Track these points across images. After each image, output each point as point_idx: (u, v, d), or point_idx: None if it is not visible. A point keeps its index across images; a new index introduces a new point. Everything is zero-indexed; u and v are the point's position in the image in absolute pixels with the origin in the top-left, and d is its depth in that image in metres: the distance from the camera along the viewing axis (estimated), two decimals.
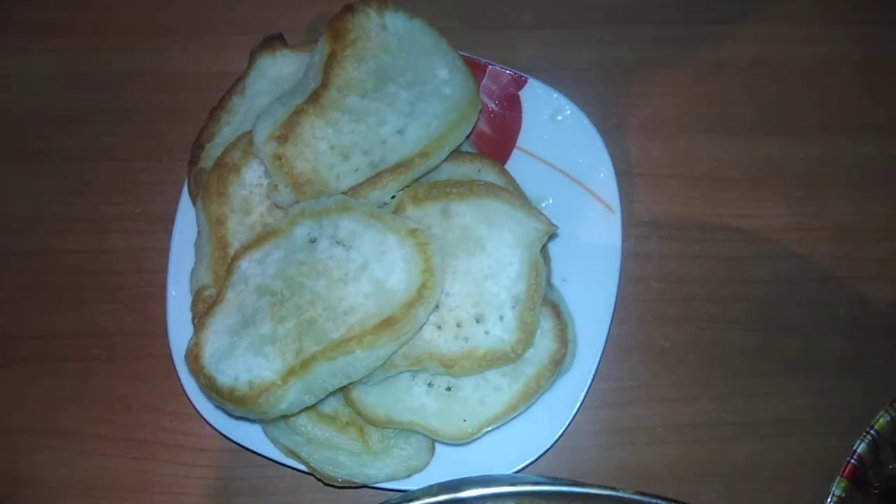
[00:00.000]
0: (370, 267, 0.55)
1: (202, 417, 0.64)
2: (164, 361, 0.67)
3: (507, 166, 0.65)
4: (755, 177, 0.70)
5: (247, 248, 0.59)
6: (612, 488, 0.50)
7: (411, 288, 0.54)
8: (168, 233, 0.66)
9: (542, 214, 0.57)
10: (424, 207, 0.57)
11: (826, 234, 0.69)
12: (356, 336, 0.53)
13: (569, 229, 0.63)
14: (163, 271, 0.66)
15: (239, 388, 0.55)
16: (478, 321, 0.57)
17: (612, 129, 0.70)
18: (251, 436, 0.63)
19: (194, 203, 0.64)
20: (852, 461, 0.55)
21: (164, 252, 0.66)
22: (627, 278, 0.67)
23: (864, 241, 0.69)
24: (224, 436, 0.64)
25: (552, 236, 0.58)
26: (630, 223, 0.68)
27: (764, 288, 0.68)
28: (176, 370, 0.64)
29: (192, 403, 0.64)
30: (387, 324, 0.53)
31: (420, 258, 0.54)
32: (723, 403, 0.67)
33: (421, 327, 0.55)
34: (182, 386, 0.64)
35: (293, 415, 0.57)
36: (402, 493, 0.54)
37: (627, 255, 0.65)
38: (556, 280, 0.63)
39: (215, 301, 0.59)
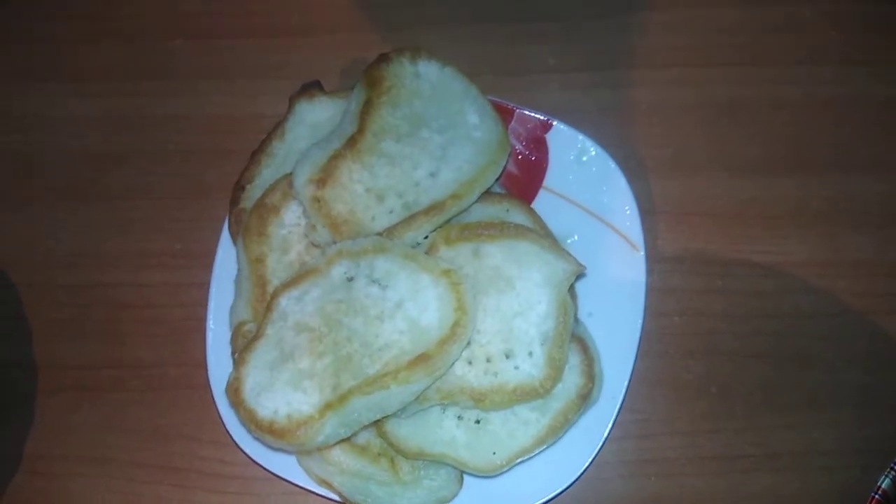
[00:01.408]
0: (405, 305, 0.58)
1: (238, 446, 0.66)
2: (200, 392, 0.69)
3: (534, 205, 0.67)
4: (775, 214, 0.72)
5: (286, 285, 0.61)
6: None
7: (444, 325, 0.56)
8: (207, 269, 0.69)
9: (570, 255, 0.59)
10: (456, 248, 0.60)
11: (845, 270, 0.71)
12: (391, 372, 0.56)
13: (594, 266, 0.65)
14: (202, 305, 0.69)
15: (278, 421, 0.57)
16: (507, 357, 0.59)
17: (634, 168, 0.73)
18: (285, 465, 0.65)
19: (234, 242, 0.67)
20: (877, 496, 0.56)
21: (203, 287, 0.69)
22: (651, 313, 0.69)
23: (883, 275, 0.70)
24: (259, 465, 0.66)
25: (579, 276, 0.60)
26: (653, 259, 0.70)
27: (784, 322, 0.70)
28: (213, 400, 0.67)
29: (228, 432, 0.66)
30: (421, 360, 0.55)
31: (453, 297, 0.57)
32: (744, 436, 0.68)
33: (453, 363, 0.58)
34: (219, 415, 0.66)
35: (328, 447, 0.59)
36: None
37: (651, 290, 0.67)
38: (582, 315, 0.65)
39: (255, 336, 0.61)
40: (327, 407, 0.56)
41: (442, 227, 0.61)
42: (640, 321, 0.65)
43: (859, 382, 0.69)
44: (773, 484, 0.67)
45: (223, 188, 0.71)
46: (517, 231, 0.59)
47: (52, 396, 0.73)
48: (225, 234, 0.69)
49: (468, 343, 0.58)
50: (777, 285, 0.71)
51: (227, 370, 0.63)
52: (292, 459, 0.65)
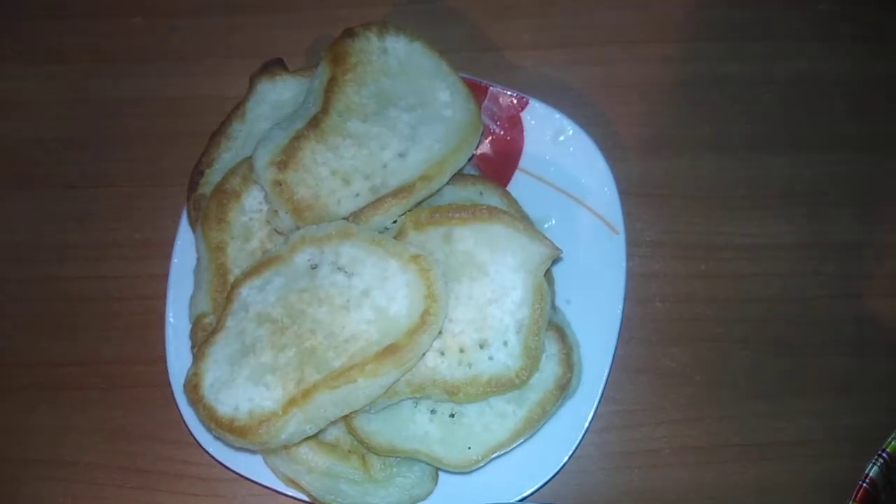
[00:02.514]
0: (372, 294, 0.54)
1: (201, 446, 0.63)
2: (163, 389, 0.66)
3: (509, 188, 0.64)
4: (759, 194, 0.70)
5: (247, 274, 0.58)
6: None
7: (414, 314, 0.53)
8: (167, 259, 0.66)
9: (546, 238, 0.56)
10: (427, 232, 0.57)
11: (832, 253, 0.68)
12: (358, 364, 0.52)
13: (572, 251, 0.62)
14: (161, 298, 0.65)
15: (239, 419, 0.54)
16: (481, 347, 0.56)
17: (613, 149, 0.70)
18: (251, 465, 0.62)
19: (194, 229, 0.64)
20: (864, 485, 0.54)
21: (163, 278, 0.65)
22: (632, 299, 0.67)
23: (871, 258, 0.68)
24: (224, 465, 0.63)
25: (556, 260, 0.57)
26: (633, 243, 0.68)
27: (770, 306, 0.68)
28: (174, 399, 0.64)
29: (191, 432, 0.63)
30: (390, 351, 0.52)
31: (423, 284, 0.53)
32: (730, 425, 0.66)
33: (424, 354, 0.55)
34: (180, 414, 0.63)
35: (294, 444, 0.56)
36: None
37: (631, 276, 0.65)
38: (559, 302, 0.63)
39: (215, 329, 0.58)
40: (291, 403, 0.53)
41: (411, 211, 0.58)
42: (620, 307, 0.63)
43: (846, 368, 0.67)
44: (760, 474, 0.65)
45: (184, 174, 0.67)
46: (490, 214, 0.56)
47: (8, 396, 0.69)
48: (184, 223, 0.66)
49: (440, 333, 0.55)
50: (763, 269, 0.69)
51: (187, 366, 0.60)
52: (258, 459, 0.62)
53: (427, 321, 0.53)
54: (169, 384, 0.64)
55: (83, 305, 0.71)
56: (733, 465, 0.65)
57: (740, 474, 0.65)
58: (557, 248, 0.56)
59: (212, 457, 0.62)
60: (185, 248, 0.65)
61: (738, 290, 0.68)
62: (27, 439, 0.68)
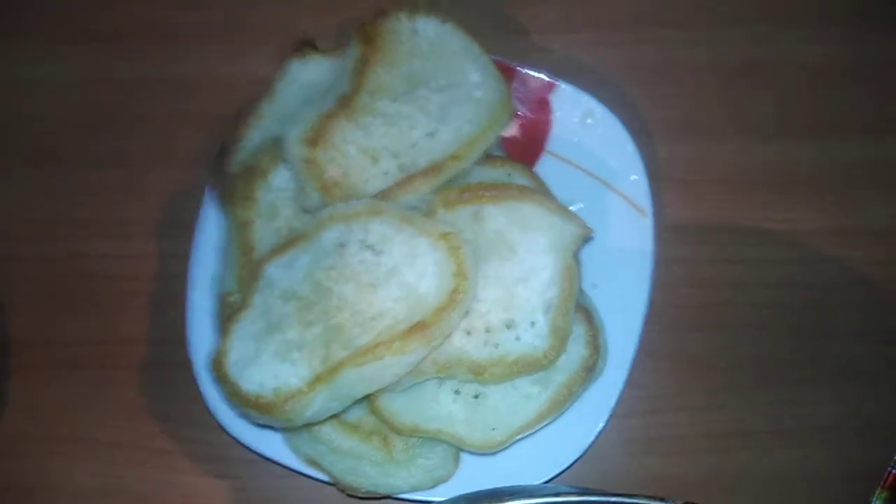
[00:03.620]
0: (400, 271, 0.54)
1: (221, 426, 0.62)
2: (184, 370, 0.65)
3: (536, 170, 0.64)
4: (787, 179, 0.69)
5: (273, 252, 0.58)
6: (652, 497, 0.48)
7: (442, 292, 0.53)
8: (189, 238, 0.65)
9: (578, 218, 0.56)
10: (456, 211, 0.56)
11: (861, 238, 0.68)
12: (385, 342, 0.52)
13: (599, 234, 0.62)
14: (183, 277, 0.65)
15: (264, 396, 0.53)
16: (508, 327, 0.55)
17: (639, 133, 0.69)
18: (273, 446, 0.61)
19: (219, 208, 0.63)
20: (894, 471, 0.53)
21: (186, 257, 0.65)
22: (658, 284, 0.65)
23: None
24: (244, 445, 0.62)
25: (586, 240, 0.57)
26: (661, 227, 0.67)
27: (797, 293, 0.67)
28: (195, 378, 0.63)
29: (211, 412, 0.62)
30: (417, 329, 0.52)
31: (452, 262, 0.53)
32: (755, 411, 0.66)
33: (451, 333, 0.54)
34: (201, 394, 0.63)
35: (317, 424, 0.56)
36: None
37: (658, 260, 0.64)
38: (586, 286, 0.62)
39: (240, 306, 0.58)
40: (317, 380, 0.53)
41: (441, 189, 0.57)
42: (646, 291, 0.62)
43: (875, 355, 0.66)
44: (786, 460, 0.65)
45: (205, 154, 0.67)
46: (521, 192, 0.56)
47: (27, 374, 0.69)
48: (208, 201, 0.65)
49: (467, 312, 0.55)
50: (790, 255, 0.68)
51: (209, 346, 0.60)
52: (280, 440, 0.61)
53: (455, 299, 0.52)
54: (190, 364, 0.64)
55: (104, 284, 0.70)
56: (758, 451, 0.65)
57: (765, 461, 0.65)
58: (589, 228, 0.55)
59: (233, 437, 0.62)
60: (208, 228, 0.64)
61: (764, 275, 0.68)
62: (45, 417, 0.68)
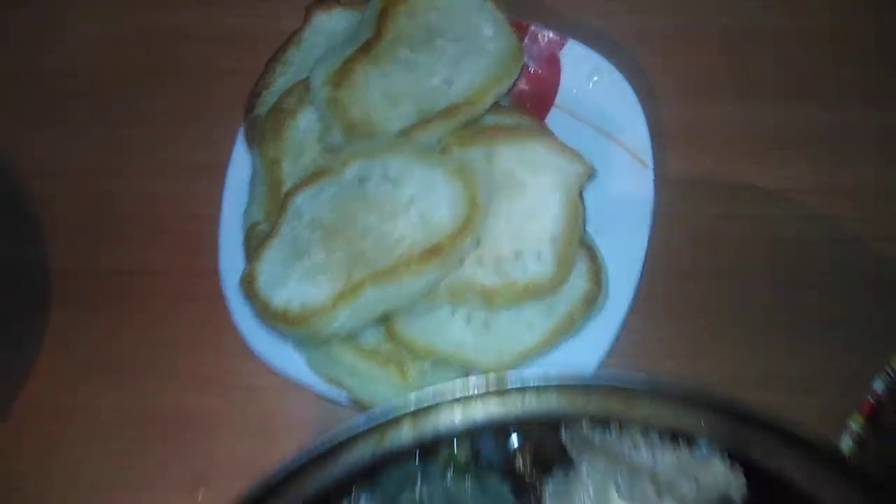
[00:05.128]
0: (418, 202, 0.59)
1: (251, 349, 0.66)
2: (214, 301, 0.69)
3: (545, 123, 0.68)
4: (783, 140, 0.73)
5: (301, 185, 0.62)
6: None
7: (457, 220, 0.57)
8: (220, 178, 0.70)
9: (582, 157, 0.60)
10: (470, 151, 0.61)
11: (851, 196, 0.72)
12: (404, 263, 0.57)
13: (603, 184, 0.66)
14: (214, 214, 0.69)
15: (292, 310, 0.58)
16: (517, 257, 0.60)
17: (646, 97, 0.72)
18: (297, 367, 0.65)
19: (250, 148, 0.68)
20: (871, 400, 0.57)
21: (216, 196, 0.70)
22: (657, 238, 0.69)
23: (890, 201, 0.71)
24: (272, 368, 0.66)
25: (590, 178, 0.61)
26: (661, 184, 0.70)
27: (790, 247, 0.71)
28: (226, 307, 0.67)
29: (242, 336, 0.66)
30: (433, 252, 0.56)
31: (465, 193, 0.58)
32: (742, 359, 0.69)
33: (464, 260, 0.59)
34: (232, 321, 0.67)
35: (339, 344, 0.61)
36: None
37: (657, 217, 0.67)
38: (590, 230, 0.66)
39: (269, 235, 0.62)
40: (340, 298, 0.57)
41: (456, 131, 0.62)
42: (646, 238, 0.66)
43: (863, 308, 0.70)
44: (772, 404, 0.68)
45: (237, 103, 0.72)
46: (530, 133, 0.60)
47: (57, 307, 0.74)
48: (238, 145, 0.70)
49: (478, 243, 0.59)
50: (783, 212, 0.72)
51: (238, 275, 0.64)
52: (303, 363, 0.65)
53: (468, 226, 0.57)
54: (215, 297, 0.68)
55: (134, 220, 0.75)
56: (745, 396, 0.68)
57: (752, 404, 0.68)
58: (592, 167, 0.60)
59: (262, 360, 0.66)
60: (238, 170, 0.69)
61: (758, 230, 0.71)
62: (78, 346, 0.73)
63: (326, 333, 0.58)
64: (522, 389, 0.42)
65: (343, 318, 0.58)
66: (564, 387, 0.42)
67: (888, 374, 0.57)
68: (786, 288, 0.71)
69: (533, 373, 0.43)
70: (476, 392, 0.43)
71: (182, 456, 0.70)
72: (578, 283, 0.62)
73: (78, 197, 0.77)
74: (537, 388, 0.42)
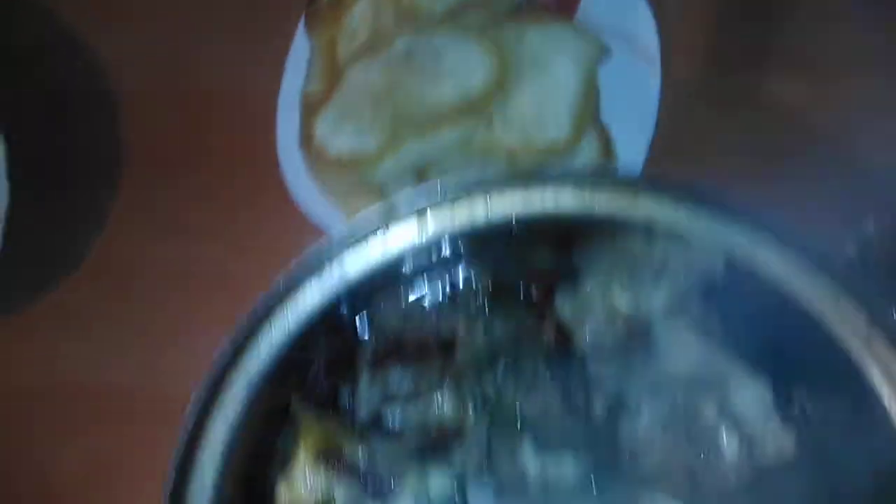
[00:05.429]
0: (457, 71, 0.69)
1: (296, 203, 0.75)
2: (268, 168, 0.77)
3: None
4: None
5: (354, 57, 0.72)
6: None
7: (490, 84, 0.67)
8: (280, 67, 0.80)
9: (598, 40, 0.70)
10: (503, 31, 0.71)
11: None
12: (443, 117, 0.67)
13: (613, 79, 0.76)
14: (272, 100, 0.79)
15: (343, 158, 0.68)
16: (538, 122, 0.70)
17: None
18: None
19: (310, 37, 0.78)
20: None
21: (278, 77, 0.79)
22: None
23: None
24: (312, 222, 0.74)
25: (605, 55, 0.71)
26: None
27: None
28: (279, 172, 0.77)
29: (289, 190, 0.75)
30: (469, 107, 0.67)
31: (497, 62, 0.68)
32: None
33: (493, 121, 0.69)
34: (285, 183, 0.76)
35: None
36: None
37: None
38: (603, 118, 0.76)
39: (323, 100, 0.72)
40: (386, 147, 0.67)
41: (492, 14, 0.72)
42: (651, 129, 0.75)
43: None
44: None
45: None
46: (554, 17, 0.70)
47: (135, 169, 0.84)
48: (300, 33, 0.80)
49: (505, 107, 0.69)
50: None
51: (294, 152, 0.74)
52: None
53: (500, 87, 0.67)
54: (276, 162, 0.76)
55: (195, 99, 0.85)
56: None
57: None
58: (606, 46, 0.70)
59: (299, 209, 0.74)
60: (299, 53, 0.79)
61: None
62: (150, 208, 0.82)
63: (374, 179, 0.68)
64: (543, 182, 0.51)
65: (388, 166, 0.68)
66: (578, 180, 0.51)
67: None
68: None
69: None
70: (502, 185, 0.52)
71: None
72: (589, 153, 0.72)
73: (149, 74, 0.87)
74: (556, 181, 0.51)
